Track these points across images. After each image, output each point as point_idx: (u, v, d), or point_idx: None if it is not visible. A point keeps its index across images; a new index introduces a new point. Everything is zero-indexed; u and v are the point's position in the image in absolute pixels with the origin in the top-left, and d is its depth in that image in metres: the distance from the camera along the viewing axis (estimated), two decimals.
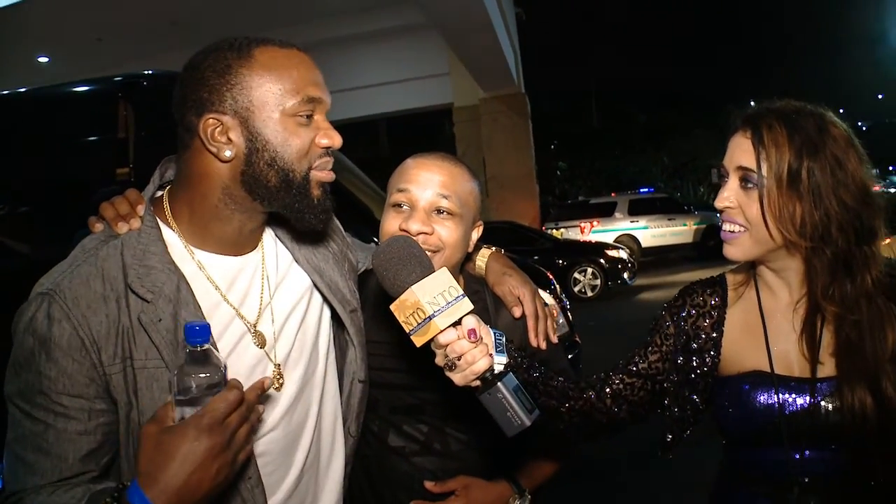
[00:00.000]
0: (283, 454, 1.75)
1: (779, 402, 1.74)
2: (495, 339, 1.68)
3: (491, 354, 1.63)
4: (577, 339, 6.06)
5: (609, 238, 21.97)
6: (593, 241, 20.33)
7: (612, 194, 27.68)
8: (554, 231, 22.50)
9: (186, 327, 1.37)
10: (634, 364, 1.92)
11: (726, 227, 1.78)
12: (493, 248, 2.36)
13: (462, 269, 2.20)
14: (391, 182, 2.08)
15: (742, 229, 1.74)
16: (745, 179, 1.71)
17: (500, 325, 2.16)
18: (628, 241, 22.54)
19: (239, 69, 1.60)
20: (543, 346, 2.17)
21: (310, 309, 1.87)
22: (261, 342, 1.72)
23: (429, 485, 2.08)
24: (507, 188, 22.33)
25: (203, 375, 1.37)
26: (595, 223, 23.46)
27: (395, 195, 2.03)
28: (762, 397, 1.76)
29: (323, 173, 1.68)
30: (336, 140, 1.67)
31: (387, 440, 2.12)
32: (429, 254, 1.96)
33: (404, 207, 2.02)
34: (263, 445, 1.68)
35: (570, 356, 5.73)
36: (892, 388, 1.66)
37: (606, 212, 24.08)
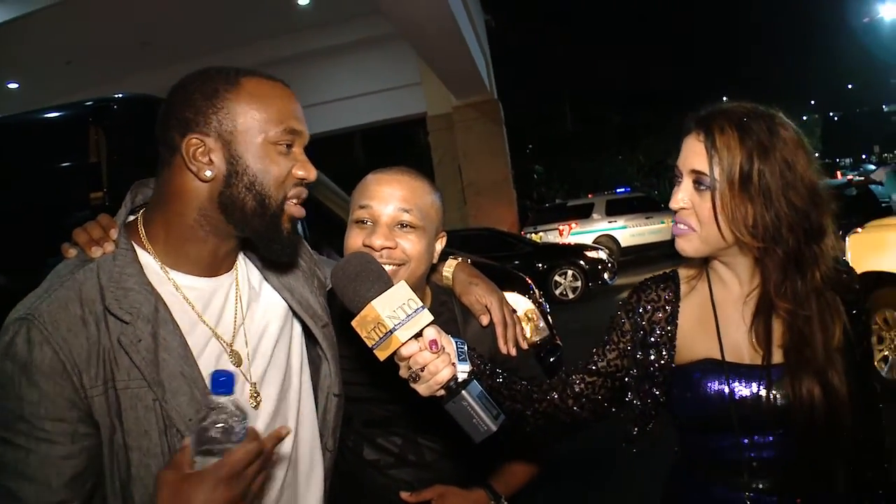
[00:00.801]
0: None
1: (728, 389, 1.79)
2: (457, 347, 1.70)
3: (454, 363, 1.65)
4: (559, 341, 6.07)
5: (588, 239, 22.04)
6: (573, 243, 20.39)
7: (590, 196, 27.80)
8: (533, 235, 22.55)
9: (213, 375, 1.41)
10: (594, 363, 1.96)
11: (679, 226, 1.83)
12: (460, 258, 2.39)
13: (429, 279, 2.23)
14: (353, 198, 2.10)
15: (692, 229, 1.79)
16: (699, 182, 1.75)
17: (470, 334, 2.19)
18: (607, 241, 22.64)
19: (226, 94, 1.65)
20: (513, 352, 2.20)
21: (283, 327, 1.89)
22: (237, 361, 1.74)
23: (405, 495, 2.09)
24: (485, 194, 22.37)
25: (223, 426, 1.39)
26: (573, 225, 23.54)
27: (357, 212, 2.05)
28: (713, 384, 1.81)
29: (296, 208, 1.72)
30: (311, 174, 1.71)
31: (362, 454, 2.14)
32: (394, 267, 1.99)
33: (367, 223, 2.04)
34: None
35: (551, 360, 5.74)
36: (838, 378, 1.72)
37: (584, 213, 24.18)
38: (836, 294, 1.79)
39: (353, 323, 1.60)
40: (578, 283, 16.31)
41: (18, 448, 1.46)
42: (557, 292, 16.23)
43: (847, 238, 7.37)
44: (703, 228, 1.76)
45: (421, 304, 1.60)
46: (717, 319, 1.87)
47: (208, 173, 1.63)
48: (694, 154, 1.76)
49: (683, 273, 1.98)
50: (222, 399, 1.40)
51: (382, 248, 1.98)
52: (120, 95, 4.32)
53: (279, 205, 1.67)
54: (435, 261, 2.17)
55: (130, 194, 1.83)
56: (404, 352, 1.59)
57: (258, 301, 1.87)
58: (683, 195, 1.79)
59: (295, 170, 1.69)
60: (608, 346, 1.97)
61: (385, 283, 1.61)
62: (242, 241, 1.80)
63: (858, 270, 6.98)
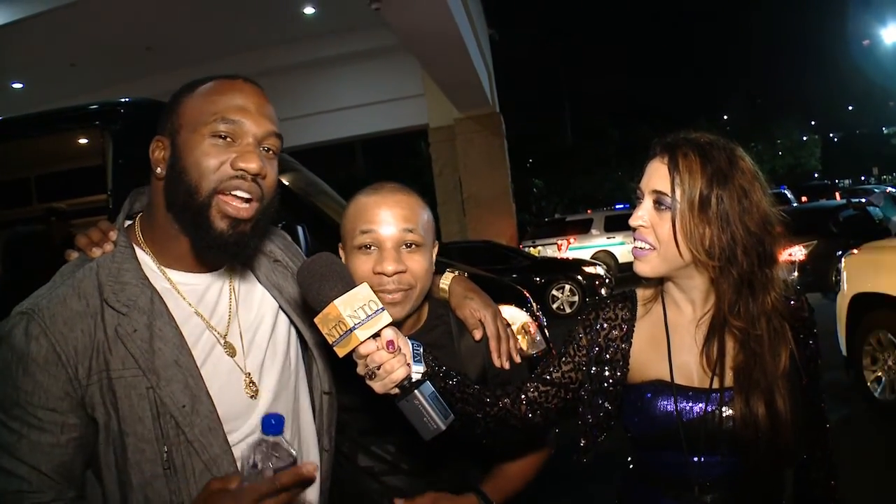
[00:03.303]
0: None
1: (677, 410, 1.86)
2: (413, 349, 1.75)
3: (409, 364, 1.70)
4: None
5: (586, 255, 22.06)
6: (570, 258, 20.41)
7: (588, 211, 27.84)
8: (531, 249, 22.55)
9: (263, 419, 1.50)
10: (548, 373, 2.02)
11: (637, 244, 1.89)
12: (456, 272, 2.41)
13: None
14: (350, 224, 2.10)
15: (651, 248, 1.85)
16: (659, 202, 1.82)
17: (464, 346, 2.22)
18: (605, 257, 22.65)
19: (182, 97, 1.73)
20: (507, 366, 2.22)
21: (278, 323, 1.95)
22: (231, 352, 1.80)
23: (398, 502, 2.11)
24: (484, 207, 22.42)
25: (271, 463, 1.48)
26: (572, 240, 23.53)
27: (360, 237, 2.05)
28: (662, 404, 1.88)
29: (231, 206, 1.68)
30: (251, 165, 1.67)
31: (356, 461, 2.17)
32: (403, 293, 2.03)
33: (371, 249, 2.04)
34: (242, 450, 1.73)
35: None
36: (783, 403, 1.79)
37: (583, 229, 24.19)
38: (784, 321, 1.87)
39: (316, 320, 1.65)
40: (576, 298, 16.29)
41: (12, 431, 1.56)
42: (555, 307, 16.23)
43: (843, 259, 7.40)
44: (663, 247, 1.82)
45: (381, 305, 1.65)
46: (669, 342, 1.93)
47: (159, 170, 1.71)
48: (658, 176, 1.83)
49: (641, 294, 2.04)
50: (270, 438, 1.49)
51: (395, 273, 2.01)
52: (126, 99, 4.35)
53: (207, 197, 1.65)
54: (433, 271, 2.20)
55: (129, 200, 1.91)
56: (362, 350, 1.64)
57: (253, 296, 1.92)
58: (643, 213, 1.85)
59: (235, 161, 1.66)
60: (564, 359, 2.02)
61: (348, 283, 1.65)
62: None
63: (853, 291, 6.99)
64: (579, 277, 16.51)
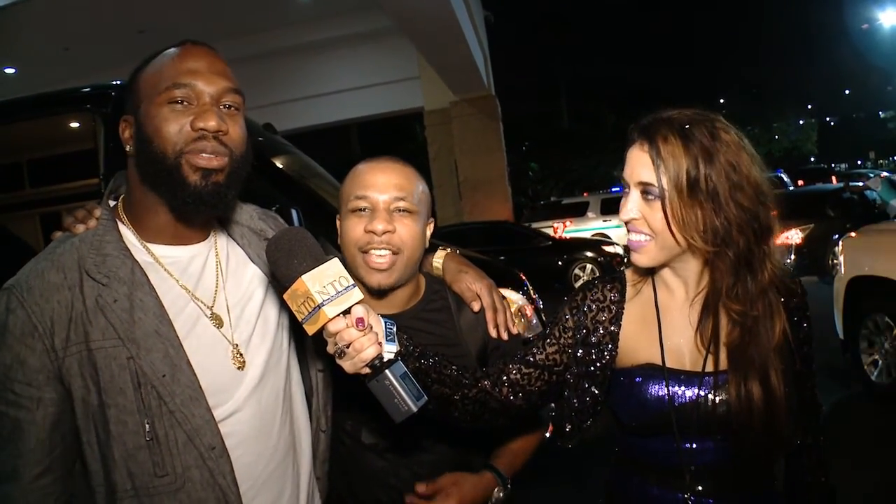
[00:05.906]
0: (254, 437, 1.79)
1: (669, 395, 1.82)
2: (386, 328, 1.71)
3: (380, 343, 1.66)
4: None
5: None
6: (590, 237, 20.78)
7: (584, 194, 27.84)
8: None
9: None
10: (532, 355, 1.97)
11: (632, 236, 1.84)
12: (449, 249, 2.45)
13: (422, 269, 2.27)
14: (346, 190, 2.14)
15: (648, 238, 1.80)
16: (647, 192, 1.77)
17: (464, 321, 2.24)
18: None
19: (137, 73, 1.77)
20: (504, 336, 2.24)
21: (268, 299, 1.92)
22: (218, 323, 1.79)
23: (420, 488, 2.09)
24: (480, 190, 22.40)
25: None
26: (568, 223, 23.58)
27: (354, 201, 2.09)
28: (654, 389, 1.84)
29: (199, 158, 1.68)
30: (210, 123, 1.67)
31: (360, 437, 2.15)
32: (391, 255, 2.05)
33: (365, 211, 2.08)
34: (230, 426, 1.73)
35: None
36: (777, 381, 1.75)
37: (579, 212, 24.24)
38: (780, 296, 1.83)
39: (285, 296, 1.61)
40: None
41: (1, 413, 1.60)
42: (577, 285, 16.37)
43: (840, 242, 7.41)
44: (659, 237, 1.78)
45: (352, 281, 1.61)
46: (660, 324, 1.90)
47: (128, 147, 1.75)
48: (640, 165, 1.78)
49: (630, 275, 2.00)
50: None
51: (384, 233, 2.03)
52: (117, 82, 4.30)
53: (175, 158, 1.67)
54: (426, 246, 2.22)
55: (114, 180, 1.92)
56: (331, 327, 1.59)
57: (243, 272, 1.91)
58: (633, 206, 1.80)
59: (194, 122, 1.67)
60: (549, 340, 1.98)
61: (317, 259, 1.61)
62: (216, 217, 1.89)
63: (851, 274, 7.00)
64: (599, 257, 16.90)
